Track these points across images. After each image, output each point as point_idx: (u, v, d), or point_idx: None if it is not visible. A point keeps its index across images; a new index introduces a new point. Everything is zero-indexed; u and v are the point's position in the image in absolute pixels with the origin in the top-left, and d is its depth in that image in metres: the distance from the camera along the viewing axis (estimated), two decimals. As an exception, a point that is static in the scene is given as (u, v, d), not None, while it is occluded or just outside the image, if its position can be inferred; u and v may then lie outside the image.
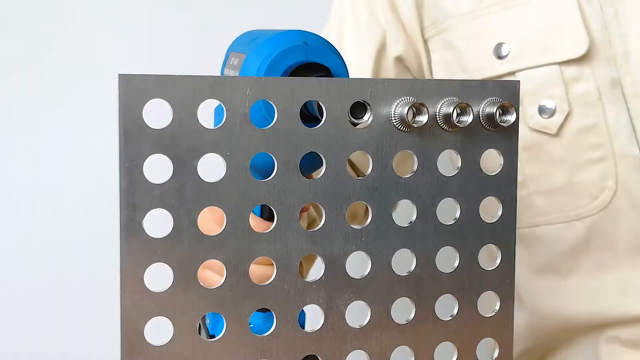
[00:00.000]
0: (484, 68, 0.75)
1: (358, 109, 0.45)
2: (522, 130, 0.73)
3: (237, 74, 0.51)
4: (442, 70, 0.78)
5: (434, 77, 0.79)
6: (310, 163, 0.45)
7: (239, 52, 0.52)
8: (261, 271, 0.46)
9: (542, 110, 0.72)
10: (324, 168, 0.45)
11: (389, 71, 0.81)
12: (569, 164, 0.73)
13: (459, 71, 0.77)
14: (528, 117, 0.73)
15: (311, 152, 0.44)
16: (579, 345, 0.78)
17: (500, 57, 0.74)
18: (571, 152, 0.73)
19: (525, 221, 0.77)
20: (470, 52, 0.76)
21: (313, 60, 0.48)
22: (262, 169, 0.44)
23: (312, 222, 0.65)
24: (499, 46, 0.73)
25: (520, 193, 0.75)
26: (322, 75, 0.48)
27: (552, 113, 0.72)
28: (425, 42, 0.80)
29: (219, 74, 0.56)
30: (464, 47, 0.76)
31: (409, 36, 0.80)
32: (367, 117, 0.45)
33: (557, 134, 0.73)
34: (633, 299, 0.75)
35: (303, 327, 0.46)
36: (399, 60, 0.80)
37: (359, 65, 0.80)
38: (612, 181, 0.72)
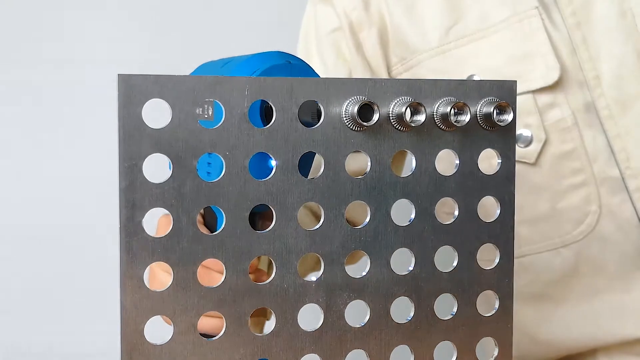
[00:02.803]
0: None
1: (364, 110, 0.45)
2: None
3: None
4: None
5: None
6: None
7: (219, 66, 0.52)
8: (212, 322, 0.46)
9: (518, 139, 0.72)
10: (322, 168, 0.45)
11: None
12: (551, 192, 0.73)
13: None
14: None
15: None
16: None
17: None
18: (552, 180, 0.73)
19: None
20: None
21: None
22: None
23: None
24: (470, 78, 0.73)
25: None
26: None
27: (529, 142, 0.72)
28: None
29: None
30: None
31: (375, 74, 0.80)
32: (375, 117, 0.45)
33: (536, 163, 0.72)
34: (628, 322, 0.75)
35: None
36: None
37: None
38: (596, 205, 0.72)
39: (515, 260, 0.75)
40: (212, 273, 0.51)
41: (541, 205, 0.74)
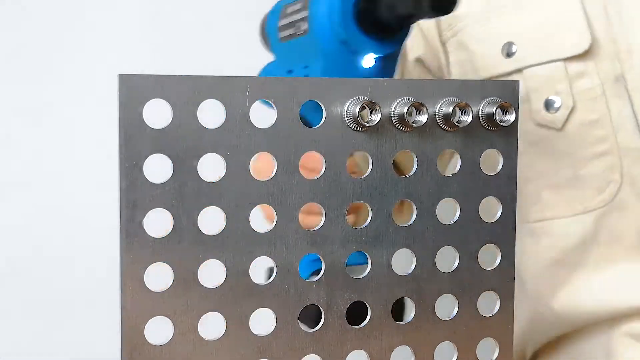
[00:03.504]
0: (493, 67, 0.76)
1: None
2: (529, 126, 0.75)
3: (305, 13, 0.51)
4: (457, 70, 0.80)
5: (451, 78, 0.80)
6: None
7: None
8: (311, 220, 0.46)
9: (547, 105, 0.74)
10: (323, 168, 0.45)
11: (410, 72, 0.83)
12: (575, 158, 0.75)
13: (471, 71, 0.79)
14: (534, 113, 0.74)
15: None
16: (591, 339, 0.79)
17: (508, 56, 0.75)
18: (576, 146, 0.74)
19: (533, 215, 0.78)
20: (480, 52, 0.77)
21: None
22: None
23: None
24: (507, 45, 0.75)
25: (529, 188, 0.77)
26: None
27: (557, 108, 0.74)
28: (443, 44, 0.81)
29: (265, 33, 0.56)
30: (475, 47, 0.78)
31: (427, 40, 0.82)
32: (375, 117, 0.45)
33: (562, 129, 0.74)
34: None
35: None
36: (419, 61, 0.83)
37: None
38: (618, 174, 0.73)
39: (537, 224, 0.77)
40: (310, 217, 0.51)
41: (564, 171, 0.76)
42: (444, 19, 0.80)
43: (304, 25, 0.51)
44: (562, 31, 0.74)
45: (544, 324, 0.80)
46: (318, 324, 0.45)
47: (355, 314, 0.46)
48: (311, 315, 0.46)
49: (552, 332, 0.81)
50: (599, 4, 0.73)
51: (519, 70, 0.75)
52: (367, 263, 0.45)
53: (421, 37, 0.82)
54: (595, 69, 0.73)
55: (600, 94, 0.73)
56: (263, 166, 0.46)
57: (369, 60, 0.56)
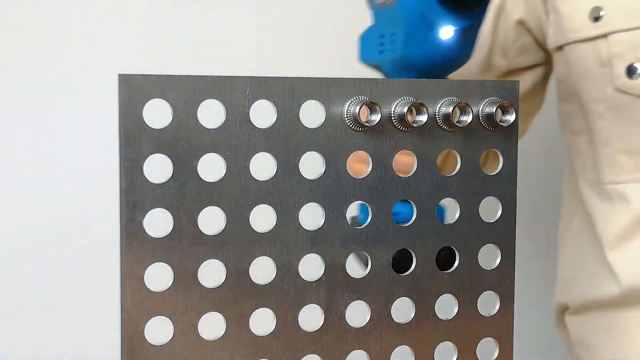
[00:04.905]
0: (579, 30, 0.77)
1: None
2: (609, 90, 0.75)
3: None
4: (551, 32, 0.81)
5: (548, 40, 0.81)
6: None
7: None
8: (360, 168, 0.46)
9: (630, 71, 0.75)
10: (323, 168, 0.45)
11: (508, 34, 0.84)
12: None
13: (560, 33, 0.79)
14: (616, 78, 0.75)
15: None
16: (631, 314, 0.78)
17: (595, 20, 0.75)
18: None
19: (609, 177, 0.79)
20: (568, 14, 0.78)
21: None
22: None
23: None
24: (594, 9, 0.76)
25: (605, 150, 0.78)
26: None
27: (638, 75, 0.74)
28: (544, 3, 0.82)
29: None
30: (564, 9, 0.79)
31: (527, 0, 0.83)
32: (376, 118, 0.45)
33: None
34: None
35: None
36: (521, 23, 0.83)
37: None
38: None
39: (611, 186, 0.78)
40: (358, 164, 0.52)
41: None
42: None
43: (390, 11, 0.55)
44: None
45: (597, 281, 0.80)
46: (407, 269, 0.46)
47: (400, 262, 0.47)
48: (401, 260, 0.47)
49: (608, 296, 0.80)
50: None
51: (604, 36, 0.75)
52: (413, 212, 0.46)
53: None
54: None
55: None
56: (361, 167, 0.46)
57: (447, 32, 0.58)
